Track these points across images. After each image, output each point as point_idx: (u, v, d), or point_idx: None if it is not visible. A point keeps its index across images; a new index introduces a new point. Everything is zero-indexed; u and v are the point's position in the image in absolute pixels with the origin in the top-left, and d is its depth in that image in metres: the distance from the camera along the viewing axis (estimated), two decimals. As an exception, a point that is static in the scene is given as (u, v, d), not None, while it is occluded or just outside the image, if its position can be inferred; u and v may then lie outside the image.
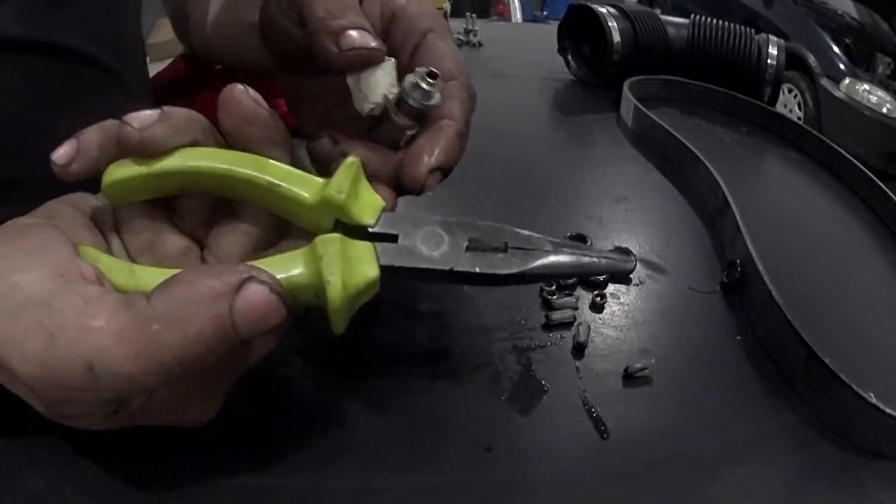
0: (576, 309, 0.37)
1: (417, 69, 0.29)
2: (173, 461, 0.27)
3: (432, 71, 0.29)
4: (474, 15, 0.94)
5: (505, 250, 0.27)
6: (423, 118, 0.30)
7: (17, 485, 0.25)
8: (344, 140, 0.30)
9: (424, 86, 0.29)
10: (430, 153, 0.29)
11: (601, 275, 0.31)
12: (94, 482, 0.26)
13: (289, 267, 0.24)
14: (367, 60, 0.28)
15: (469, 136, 0.32)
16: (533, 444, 0.30)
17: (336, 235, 0.25)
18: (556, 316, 0.36)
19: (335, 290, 0.24)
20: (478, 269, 0.26)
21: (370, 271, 0.25)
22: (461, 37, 0.91)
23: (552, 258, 0.27)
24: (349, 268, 0.24)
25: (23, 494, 0.25)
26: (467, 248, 0.27)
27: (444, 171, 0.30)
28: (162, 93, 0.58)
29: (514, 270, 0.26)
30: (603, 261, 0.28)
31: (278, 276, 0.23)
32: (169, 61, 0.62)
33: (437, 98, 0.29)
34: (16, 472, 0.26)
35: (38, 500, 0.25)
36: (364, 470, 0.28)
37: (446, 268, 0.26)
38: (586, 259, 0.28)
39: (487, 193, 0.49)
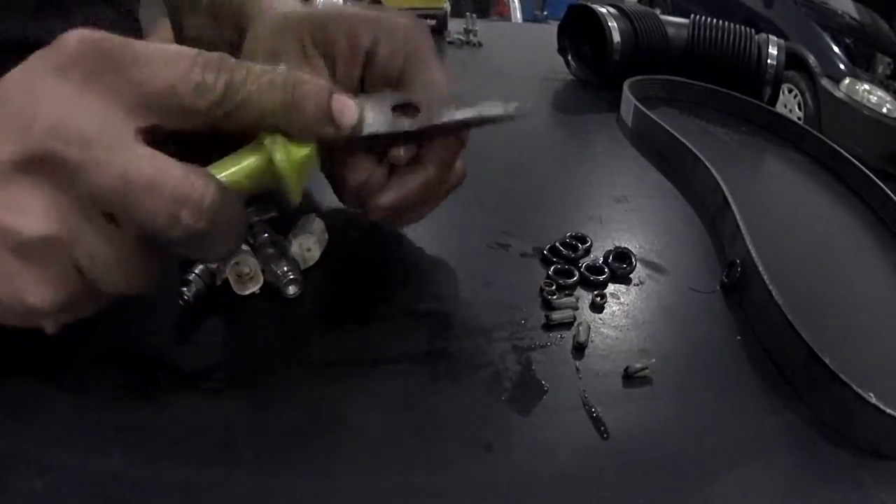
0: (576, 309, 0.37)
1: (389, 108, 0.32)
2: (171, 460, 0.27)
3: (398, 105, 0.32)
4: (474, 15, 0.94)
5: (416, 112, 0.32)
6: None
7: (17, 485, 0.25)
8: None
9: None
10: (384, 194, 0.34)
11: (482, 125, 0.34)
12: (93, 483, 0.26)
13: (245, 156, 0.29)
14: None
15: (444, 181, 0.36)
16: (533, 444, 0.30)
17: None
18: (556, 316, 0.36)
19: (282, 157, 0.28)
20: (387, 130, 0.31)
21: (307, 146, 0.30)
22: (461, 37, 0.91)
23: (450, 117, 0.32)
24: (289, 145, 0.29)
25: (23, 494, 0.25)
26: (391, 113, 0.32)
27: (398, 208, 0.35)
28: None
29: (415, 128, 0.32)
30: (499, 110, 0.33)
31: (237, 166, 0.28)
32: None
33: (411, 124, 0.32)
34: (16, 472, 0.26)
35: (38, 500, 0.25)
36: (364, 470, 0.28)
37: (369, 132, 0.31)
38: (479, 111, 0.32)
39: (487, 193, 0.49)
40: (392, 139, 0.33)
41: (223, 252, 0.29)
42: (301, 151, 0.29)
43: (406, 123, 0.32)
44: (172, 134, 0.27)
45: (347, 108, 0.29)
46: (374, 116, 0.31)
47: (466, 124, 0.33)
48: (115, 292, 0.27)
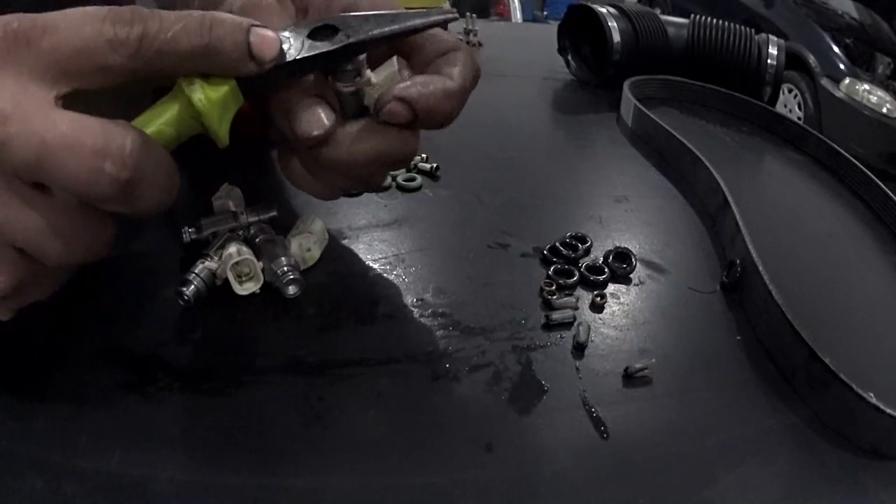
0: (576, 309, 0.37)
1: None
2: (172, 461, 0.27)
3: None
4: (474, 15, 0.94)
5: (335, 33, 0.31)
6: (363, 106, 0.32)
7: (17, 485, 0.25)
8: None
9: (348, 66, 0.31)
10: (406, 85, 0.31)
11: (406, 35, 0.32)
12: (93, 483, 0.26)
13: (165, 103, 0.29)
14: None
15: (463, 102, 0.33)
16: (533, 444, 0.30)
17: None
18: (556, 316, 0.36)
19: (200, 98, 0.28)
20: (305, 55, 0.30)
21: (226, 84, 0.29)
22: (461, 37, 0.91)
23: (370, 31, 0.31)
24: (206, 85, 0.29)
25: (23, 494, 0.25)
26: (307, 40, 0.30)
27: (413, 108, 0.31)
28: (159, 91, 0.59)
29: (335, 47, 0.30)
30: (419, 20, 0.31)
31: (158, 114, 0.28)
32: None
33: (366, 76, 0.32)
34: (16, 472, 0.26)
35: (38, 500, 0.25)
36: (364, 470, 0.28)
37: (287, 60, 0.30)
38: (400, 23, 0.31)
39: (487, 193, 0.49)
40: (317, 64, 0.31)
41: (157, 202, 0.28)
42: (220, 89, 0.29)
43: (325, 45, 0.31)
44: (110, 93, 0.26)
45: (267, 42, 0.29)
46: (293, 44, 0.30)
47: (388, 37, 0.32)
48: (65, 264, 0.26)
